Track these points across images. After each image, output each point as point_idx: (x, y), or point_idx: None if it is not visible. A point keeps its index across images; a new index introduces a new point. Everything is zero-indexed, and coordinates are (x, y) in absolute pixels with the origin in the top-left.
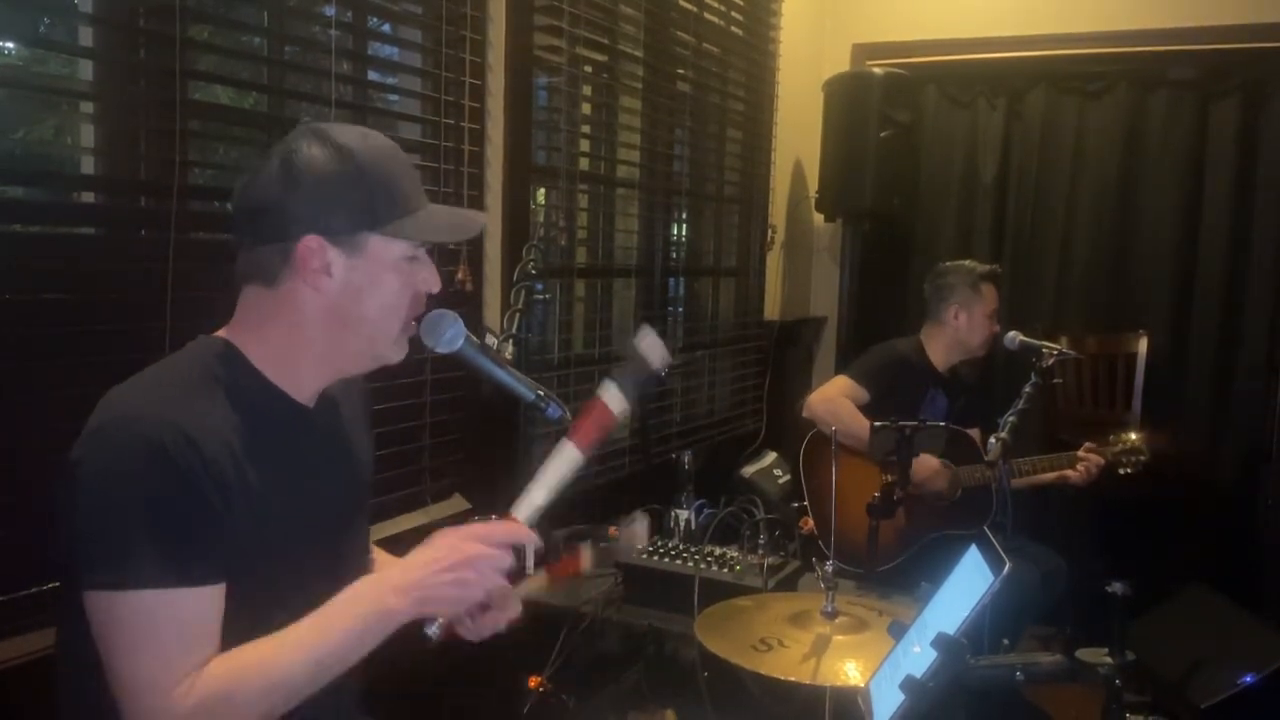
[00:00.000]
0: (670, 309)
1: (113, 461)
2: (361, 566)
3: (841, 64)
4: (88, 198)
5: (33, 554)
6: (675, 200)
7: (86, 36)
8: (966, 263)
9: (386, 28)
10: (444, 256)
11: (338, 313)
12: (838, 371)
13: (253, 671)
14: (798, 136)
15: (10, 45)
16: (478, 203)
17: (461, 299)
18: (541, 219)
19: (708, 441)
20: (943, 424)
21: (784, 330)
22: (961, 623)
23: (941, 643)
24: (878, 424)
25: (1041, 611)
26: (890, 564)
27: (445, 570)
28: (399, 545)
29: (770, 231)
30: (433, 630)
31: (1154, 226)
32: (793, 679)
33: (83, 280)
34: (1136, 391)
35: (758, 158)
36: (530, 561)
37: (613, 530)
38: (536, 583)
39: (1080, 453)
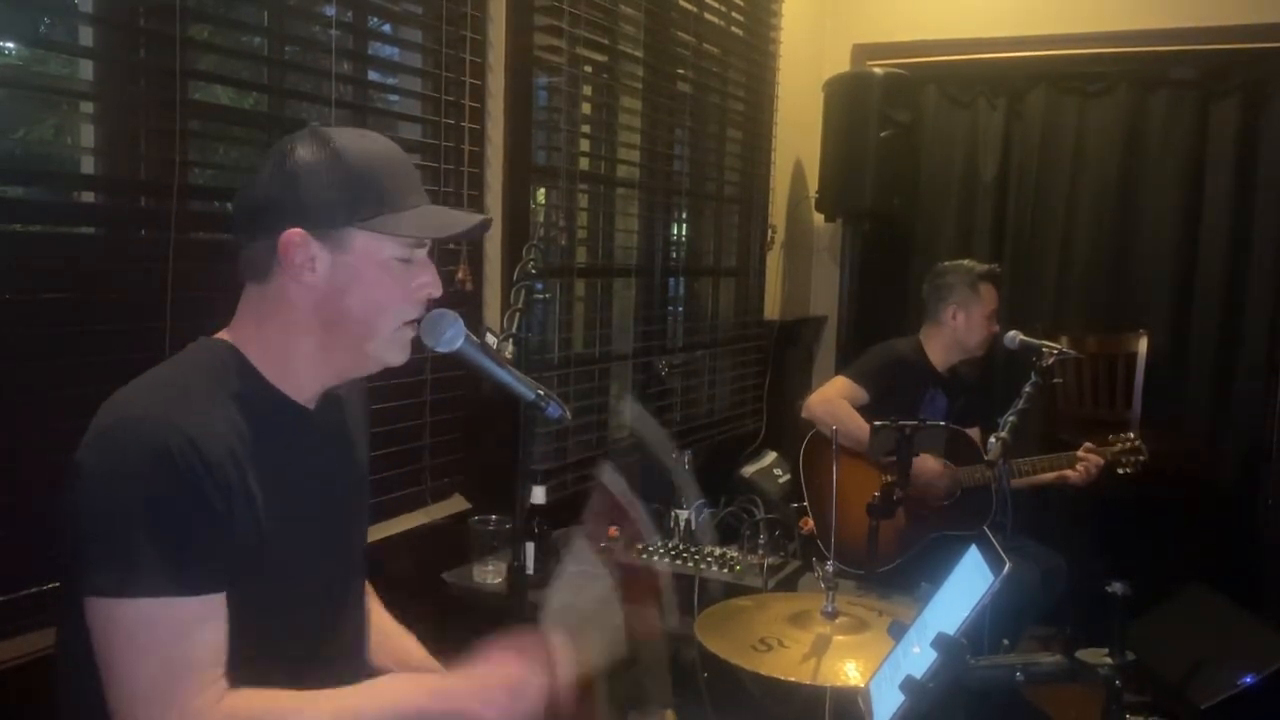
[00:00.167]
0: (670, 309)
1: (117, 466)
2: (359, 568)
3: (841, 64)
4: (88, 197)
5: (33, 554)
6: (675, 200)
7: (86, 36)
8: (965, 263)
9: (386, 28)
10: (444, 256)
11: (324, 309)
12: (838, 371)
13: (276, 715)
14: (798, 136)
15: (10, 45)
16: (478, 202)
17: (461, 298)
18: (541, 219)
19: (708, 441)
20: (942, 424)
21: (784, 330)
22: (961, 623)
23: (941, 643)
24: (878, 424)
25: (1041, 612)
26: (890, 565)
27: (485, 690)
28: (399, 545)
29: (770, 231)
30: None
31: (1154, 226)
32: (793, 679)
33: (83, 280)
34: (1136, 391)
35: (758, 158)
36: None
37: (613, 530)
38: None
39: (1080, 452)
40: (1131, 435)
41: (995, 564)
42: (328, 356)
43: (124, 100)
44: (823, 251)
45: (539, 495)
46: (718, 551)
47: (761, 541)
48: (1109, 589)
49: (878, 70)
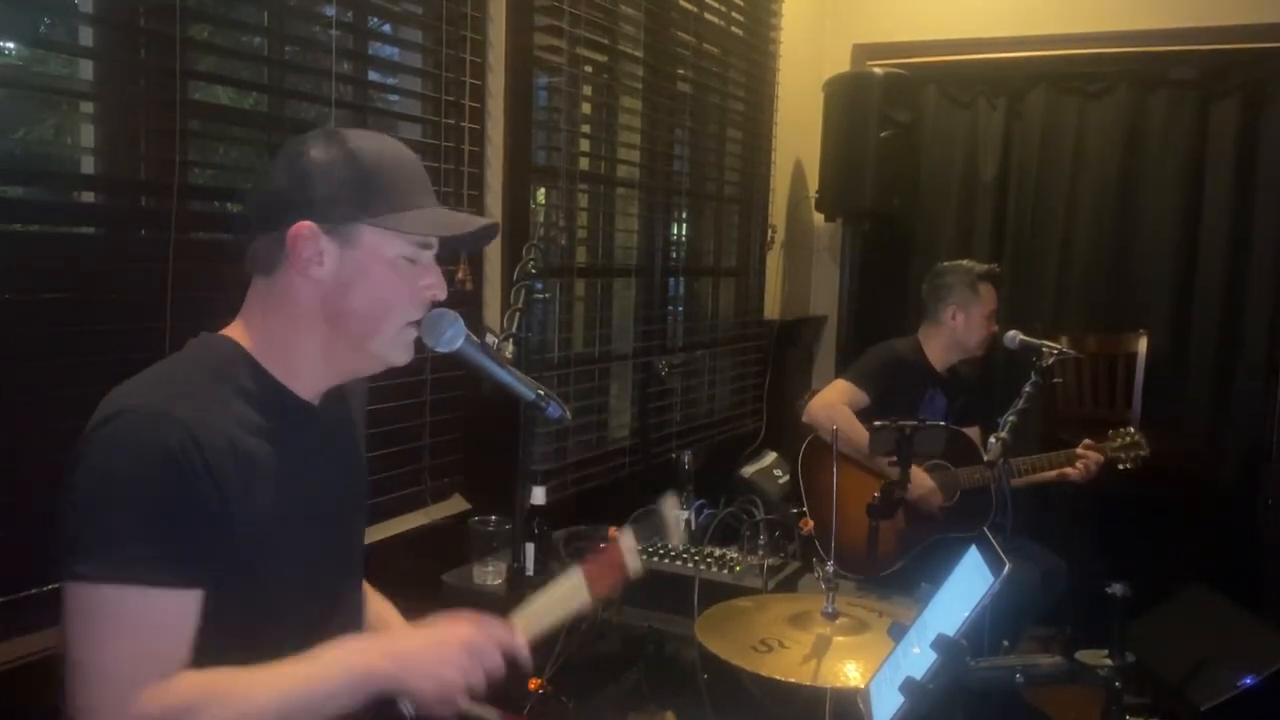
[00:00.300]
0: (670, 308)
1: (115, 457)
2: (357, 567)
3: (842, 64)
4: (88, 197)
5: (33, 554)
6: (675, 200)
7: (86, 36)
8: (964, 263)
9: (387, 28)
10: (444, 256)
11: (330, 305)
12: (837, 371)
13: (222, 694)
14: (798, 136)
15: (10, 45)
16: (478, 202)
17: (461, 298)
18: (541, 219)
19: (708, 441)
20: (942, 424)
21: (784, 330)
22: (961, 624)
23: (941, 644)
24: (878, 424)
25: (1041, 612)
26: (890, 569)
27: (436, 648)
28: (399, 546)
29: (770, 231)
30: (406, 709)
31: (1154, 226)
32: (793, 680)
33: (83, 280)
34: (1136, 391)
35: (758, 158)
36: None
37: (612, 531)
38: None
39: (1079, 450)
40: (1131, 430)
41: (995, 565)
42: (331, 354)
43: (124, 100)
44: (823, 251)
45: (539, 495)
46: (718, 552)
47: (761, 542)
48: (1109, 590)
49: (878, 70)
